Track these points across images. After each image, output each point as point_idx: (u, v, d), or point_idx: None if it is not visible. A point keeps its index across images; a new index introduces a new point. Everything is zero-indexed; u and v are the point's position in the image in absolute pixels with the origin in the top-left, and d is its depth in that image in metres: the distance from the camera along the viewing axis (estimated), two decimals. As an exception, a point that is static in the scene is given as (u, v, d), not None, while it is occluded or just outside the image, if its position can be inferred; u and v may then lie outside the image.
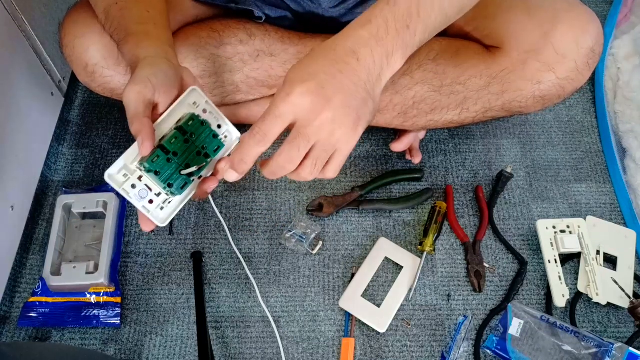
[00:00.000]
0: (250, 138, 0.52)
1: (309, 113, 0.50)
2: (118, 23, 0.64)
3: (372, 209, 0.92)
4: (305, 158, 0.52)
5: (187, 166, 0.57)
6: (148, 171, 0.55)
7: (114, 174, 0.56)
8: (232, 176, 0.55)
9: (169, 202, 0.59)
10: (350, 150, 0.53)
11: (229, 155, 0.61)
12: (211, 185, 0.60)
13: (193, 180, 0.59)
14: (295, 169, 0.53)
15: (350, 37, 0.52)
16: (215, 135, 0.59)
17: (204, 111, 0.60)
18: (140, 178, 0.57)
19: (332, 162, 0.54)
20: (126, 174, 0.56)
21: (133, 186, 0.56)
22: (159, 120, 0.56)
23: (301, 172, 0.53)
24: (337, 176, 0.95)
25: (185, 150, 0.57)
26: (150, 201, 0.58)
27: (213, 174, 0.61)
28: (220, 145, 0.60)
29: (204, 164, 0.58)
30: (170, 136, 0.56)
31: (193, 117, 0.58)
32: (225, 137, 0.61)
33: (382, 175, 0.95)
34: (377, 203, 0.92)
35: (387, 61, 0.53)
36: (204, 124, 0.58)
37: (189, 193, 0.59)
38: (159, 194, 0.58)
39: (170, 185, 0.57)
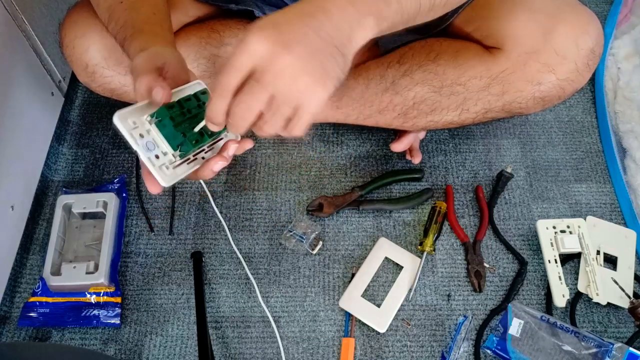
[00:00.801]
0: (212, 93, 0.50)
1: (266, 58, 0.46)
2: (124, 22, 0.63)
3: (372, 209, 0.92)
4: (267, 110, 0.49)
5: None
6: (160, 122, 0.53)
7: (125, 116, 0.52)
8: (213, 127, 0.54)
9: (174, 166, 0.55)
10: (317, 107, 0.49)
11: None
12: (218, 163, 0.57)
13: (201, 146, 0.57)
14: (256, 120, 0.50)
15: None
16: None
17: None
18: (148, 132, 0.54)
19: (296, 117, 0.50)
20: (135, 122, 0.53)
21: (141, 136, 0.53)
22: (173, 90, 0.56)
23: (262, 124, 0.50)
24: (337, 176, 0.95)
25: (197, 114, 0.56)
26: (157, 157, 0.54)
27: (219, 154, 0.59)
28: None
29: (211, 134, 0.57)
30: (185, 97, 0.55)
31: (205, 91, 0.58)
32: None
33: (382, 175, 0.95)
34: (377, 203, 0.92)
35: (358, 24, 0.50)
36: None
37: (191, 165, 0.57)
38: (165, 153, 0.54)
39: (182, 137, 0.54)
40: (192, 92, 0.58)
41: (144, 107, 0.54)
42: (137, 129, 0.52)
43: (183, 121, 0.55)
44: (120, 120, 0.51)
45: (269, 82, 0.47)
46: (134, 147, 0.52)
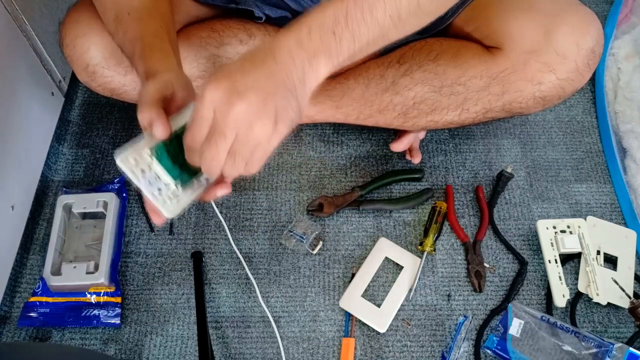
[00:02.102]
0: (185, 144, 0.54)
1: (222, 107, 0.49)
2: (132, 36, 0.63)
3: (372, 208, 0.92)
4: (229, 156, 0.52)
5: None
6: (159, 156, 0.54)
7: (126, 157, 0.54)
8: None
9: (177, 197, 0.57)
10: (272, 147, 0.52)
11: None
12: (223, 190, 0.59)
13: (201, 177, 0.58)
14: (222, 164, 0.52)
15: (274, 41, 0.52)
16: None
17: None
18: (149, 166, 0.55)
19: (252, 158, 0.52)
20: (137, 158, 0.55)
21: (142, 171, 0.55)
22: (172, 116, 0.57)
23: (225, 168, 0.53)
24: (337, 176, 0.95)
25: None
26: (159, 189, 0.56)
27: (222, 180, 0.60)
28: None
29: None
30: (182, 125, 0.56)
31: None
32: None
33: (382, 175, 0.95)
34: (377, 203, 0.92)
35: (310, 64, 0.52)
36: None
37: (197, 189, 0.58)
38: (167, 185, 0.56)
39: (181, 168, 0.56)
40: (187, 116, 0.58)
41: (144, 141, 0.55)
42: (138, 165, 0.54)
43: (181, 151, 0.56)
44: (122, 162, 0.53)
45: (227, 129, 0.50)
46: (137, 184, 0.54)
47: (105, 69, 0.79)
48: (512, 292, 0.84)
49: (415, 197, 0.92)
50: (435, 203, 0.91)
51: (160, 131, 0.54)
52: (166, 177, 0.56)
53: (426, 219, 0.91)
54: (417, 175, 0.95)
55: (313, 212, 0.91)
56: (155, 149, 0.55)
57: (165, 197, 0.56)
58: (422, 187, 0.94)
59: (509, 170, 0.94)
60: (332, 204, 0.91)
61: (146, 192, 0.55)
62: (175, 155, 0.56)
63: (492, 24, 0.76)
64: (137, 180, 0.54)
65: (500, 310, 0.83)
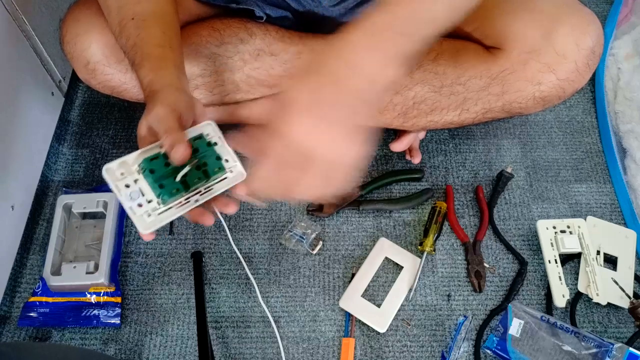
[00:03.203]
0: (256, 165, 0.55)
1: (297, 143, 0.51)
2: (134, 42, 0.63)
3: (373, 208, 0.92)
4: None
5: (184, 178, 0.58)
6: (147, 172, 0.56)
7: (112, 168, 0.56)
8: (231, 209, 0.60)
9: (158, 213, 0.58)
10: (351, 158, 0.52)
11: (226, 192, 0.61)
12: (207, 220, 0.60)
13: (186, 196, 0.58)
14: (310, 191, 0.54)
15: (339, 48, 0.52)
16: (219, 158, 0.60)
17: (215, 144, 0.61)
18: (136, 181, 0.57)
19: (335, 174, 0.53)
20: (124, 172, 0.56)
21: (127, 185, 0.56)
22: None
23: (307, 195, 0.54)
24: None
25: (186, 162, 0.57)
26: (140, 205, 0.57)
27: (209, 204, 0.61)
28: (221, 168, 0.60)
29: (201, 178, 0.59)
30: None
31: (201, 136, 0.59)
32: (231, 171, 0.61)
33: (382, 175, 0.95)
34: (378, 203, 0.92)
35: (379, 67, 0.52)
36: (210, 144, 0.60)
37: (180, 209, 0.58)
38: (150, 201, 0.57)
39: (161, 187, 0.57)
40: (188, 137, 0.59)
41: (134, 156, 0.57)
42: (124, 180, 0.56)
43: (167, 170, 0.57)
44: (107, 172, 0.56)
45: (317, 163, 0.52)
46: (117, 196, 0.56)
47: (106, 66, 0.79)
48: (512, 292, 0.84)
49: (415, 197, 0.92)
50: (435, 203, 0.91)
51: (184, 155, 0.55)
52: (150, 194, 0.57)
53: (426, 219, 0.91)
54: (417, 176, 0.95)
55: (313, 212, 0.91)
56: (144, 165, 0.56)
57: (144, 212, 0.57)
58: (422, 187, 0.94)
59: (509, 170, 0.94)
60: (332, 204, 0.91)
61: (125, 206, 0.56)
62: (162, 173, 0.57)
63: (492, 24, 0.76)
64: (118, 193, 0.56)
65: (500, 310, 0.83)
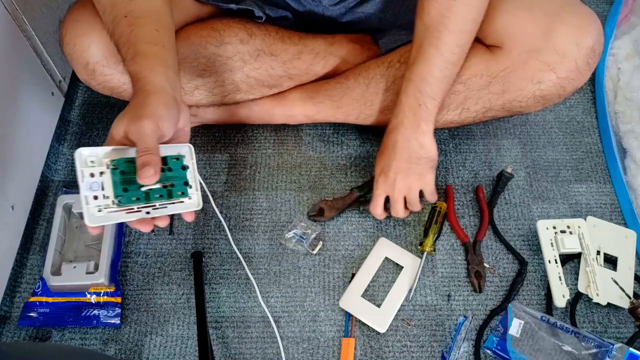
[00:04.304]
0: (372, 211, 0.86)
1: (388, 187, 0.83)
2: (126, 39, 0.63)
3: None
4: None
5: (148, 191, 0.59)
6: (116, 167, 0.56)
7: (84, 154, 0.56)
8: None
9: (110, 212, 0.58)
10: (427, 185, 0.82)
11: (175, 215, 0.64)
12: (145, 228, 0.60)
13: (142, 206, 0.59)
14: (406, 211, 0.85)
15: (395, 132, 0.80)
16: (186, 183, 0.62)
17: (187, 167, 0.62)
18: (101, 174, 0.57)
19: (425, 193, 0.84)
20: (94, 161, 0.57)
21: (91, 175, 0.57)
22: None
23: (410, 209, 0.86)
24: (337, 176, 0.96)
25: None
26: (95, 197, 0.57)
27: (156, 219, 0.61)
28: (184, 193, 0.61)
29: (163, 196, 0.60)
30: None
31: (179, 157, 0.61)
32: (190, 198, 0.63)
33: None
34: None
35: (417, 128, 0.77)
36: (184, 168, 0.61)
37: (130, 215, 0.59)
38: (106, 197, 0.57)
39: (125, 190, 0.57)
40: (166, 154, 0.60)
41: (109, 151, 0.57)
42: (92, 168, 0.56)
43: (132, 177, 0.57)
44: (78, 156, 0.56)
45: (399, 196, 0.83)
46: (79, 182, 0.56)
47: (105, 67, 0.79)
48: (512, 292, 0.84)
49: None
50: (436, 203, 0.91)
51: (152, 179, 0.55)
52: (110, 191, 0.57)
53: (426, 219, 0.91)
54: None
55: (315, 217, 0.91)
56: (117, 163, 0.57)
57: (96, 206, 0.57)
58: None
59: (509, 170, 0.94)
60: (333, 208, 0.91)
61: (81, 193, 0.56)
62: (131, 178, 0.57)
63: (493, 23, 0.76)
64: (80, 178, 0.56)
65: (500, 310, 0.83)
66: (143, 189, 0.58)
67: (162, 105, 0.57)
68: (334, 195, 0.93)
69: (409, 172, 0.80)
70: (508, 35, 0.76)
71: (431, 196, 0.84)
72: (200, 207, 0.63)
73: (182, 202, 0.62)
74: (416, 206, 0.84)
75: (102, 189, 0.57)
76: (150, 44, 0.62)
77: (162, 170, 0.58)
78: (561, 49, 0.73)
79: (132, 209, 0.59)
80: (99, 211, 0.57)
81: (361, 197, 0.93)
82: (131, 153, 0.58)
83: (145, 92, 0.58)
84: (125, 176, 0.57)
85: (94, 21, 0.75)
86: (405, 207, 0.84)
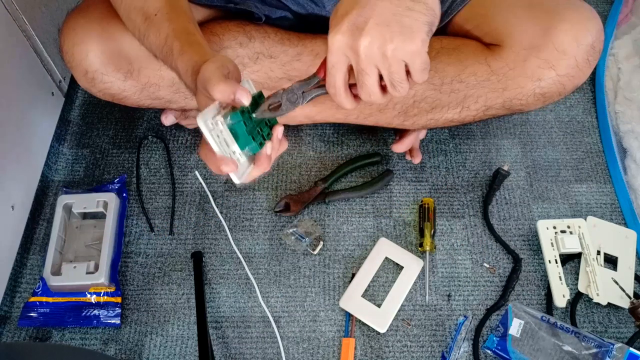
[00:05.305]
0: (331, 94, 0.58)
1: (352, 49, 0.52)
2: (166, 34, 0.63)
3: (339, 198, 0.92)
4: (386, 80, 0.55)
5: (261, 130, 0.59)
6: (232, 125, 0.56)
7: (208, 117, 0.55)
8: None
9: (239, 165, 0.59)
10: (417, 54, 0.52)
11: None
12: (268, 146, 0.59)
13: (262, 145, 0.60)
14: (384, 94, 0.56)
15: None
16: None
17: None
18: (221, 133, 0.56)
19: (411, 69, 0.54)
20: (212, 122, 0.56)
21: (218, 136, 0.56)
22: None
23: (392, 93, 0.55)
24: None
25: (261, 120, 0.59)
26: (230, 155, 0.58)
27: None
28: (276, 121, 0.62)
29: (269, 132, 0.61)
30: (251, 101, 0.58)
31: (261, 94, 0.61)
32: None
33: (342, 165, 0.95)
34: (343, 192, 0.92)
35: None
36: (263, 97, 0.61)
37: (250, 160, 0.60)
38: (233, 153, 0.57)
39: (254, 139, 0.57)
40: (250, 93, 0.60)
41: (213, 109, 0.56)
42: (214, 130, 0.56)
43: (251, 124, 0.58)
44: (204, 122, 0.54)
45: (366, 64, 0.53)
46: (214, 146, 0.55)
47: (105, 75, 0.78)
48: (507, 289, 0.84)
49: (379, 181, 0.93)
50: (422, 201, 0.91)
51: (245, 97, 0.54)
52: (233, 145, 0.57)
53: (417, 219, 0.91)
54: (375, 159, 0.96)
55: (280, 212, 0.91)
56: (229, 117, 0.56)
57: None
58: (383, 170, 0.95)
59: (505, 168, 0.93)
60: (299, 202, 0.91)
61: (225, 152, 0.56)
62: (247, 126, 0.57)
63: (492, 21, 0.76)
64: (215, 142, 0.55)
65: (496, 307, 0.83)
66: (257, 114, 0.58)
67: (219, 58, 0.58)
68: (299, 192, 0.93)
69: (392, 23, 0.51)
70: (507, 33, 0.76)
71: (421, 73, 0.54)
72: (282, 127, 0.62)
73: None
74: (401, 86, 0.55)
75: (227, 145, 0.56)
76: (189, 34, 0.63)
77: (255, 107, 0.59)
78: (561, 46, 0.73)
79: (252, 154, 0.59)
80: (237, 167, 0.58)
81: (326, 189, 0.93)
82: (226, 109, 0.57)
83: (196, 72, 0.58)
84: (247, 125, 0.57)
85: (91, 29, 0.75)
86: (382, 86, 0.56)
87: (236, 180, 0.58)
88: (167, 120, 0.98)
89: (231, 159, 0.57)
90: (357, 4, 0.52)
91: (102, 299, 0.83)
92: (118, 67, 0.78)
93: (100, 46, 0.76)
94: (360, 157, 0.96)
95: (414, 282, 0.85)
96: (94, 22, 0.75)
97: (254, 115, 0.58)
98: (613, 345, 0.75)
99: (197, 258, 0.87)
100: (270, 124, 0.61)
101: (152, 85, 0.81)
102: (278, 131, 0.61)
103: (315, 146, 0.99)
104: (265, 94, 0.91)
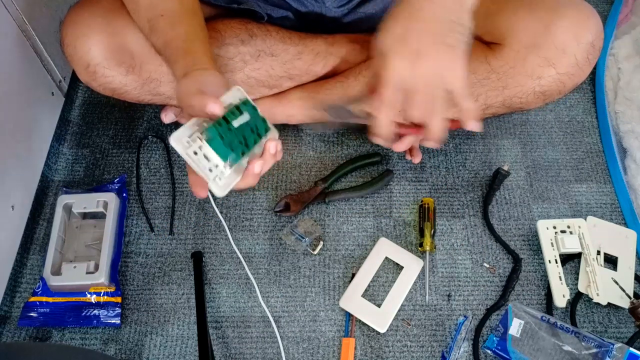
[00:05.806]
0: (380, 110, 0.62)
1: (409, 72, 0.58)
2: (168, 39, 0.65)
3: (339, 198, 0.92)
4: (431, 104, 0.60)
5: (244, 139, 0.60)
6: (209, 138, 0.56)
7: (180, 137, 0.56)
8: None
9: (225, 177, 0.59)
10: (459, 75, 0.59)
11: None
12: (257, 163, 0.61)
13: (247, 154, 0.61)
14: (435, 116, 0.60)
15: None
16: (264, 120, 0.63)
17: (255, 107, 0.63)
18: (199, 148, 0.57)
19: (453, 92, 0.59)
20: (189, 141, 0.57)
21: (195, 153, 0.57)
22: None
23: (432, 117, 0.61)
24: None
25: (240, 127, 0.60)
26: (210, 170, 0.58)
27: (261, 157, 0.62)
28: (267, 128, 0.63)
29: (256, 139, 0.62)
30: (230, 111, 0.59)
31: (246, 102, 0.61)
32: (270, 129, 0.64)
33: (342, 165, 0.95)
34: (343, 192, 0.92)
35: None
36: (255, 108, 0.62)
37: (239, 171, 0.61)
38: (216, 166, 0.58)
39: (232, 150, 0.58)
40: (233, 103, 0.61)
41: (192, 126, 0.58)
42: (190, 148, 0.57)
43: (230, 135, 0.58)
44: (177, 142, 0.56)
45: (422, 87, 0.59)
46: (192, 165, 0.57)
47: (106, 69, 0.78)
48: (507, 289, 0.84)
49: (378, 181, 0.93)
50: (422, 201, 0.91)
51: (217, 108, 0.56)
52: (215, 159, 0.57)
53: (417, 219, 0.91)
54: (375, 159, 0.96)
55: (280, 212, 0.91)
56: (205, 132, 0.57)
57: (215, 176, 0.58)
58: (383, 170, 0.95)
59: (505, 168, 0.93)
60: (299, 202, 0.91)
61: (202, 173, 0.57)
62: (225, 138, 0.58)
63: (492, 21, 0.76)
64: (192, 162, 0.57)
65: (496, 307, 0.83)
66: (236, 125, 0.59)
67: (199, 74, 0.61)
68: (299, 192, 0.93)
69: (440, 44, 0.57)
70: (507, 31, 0.76)
71: (463, 98, 0.59)
72: (277, 133, 0.64)
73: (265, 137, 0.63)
74: (438, 112, 0.60)
75: (208, 160, 0.57)
76: (188, 41, 0.65)
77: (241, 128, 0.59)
78: (561, 44, 0.73)
79: (241, 164, 0.60)
80: (219, 180, 0.59)
81: (326, 188, 0.93)
82: (207, 122, 0.58)
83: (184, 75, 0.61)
84: (224, 137, 0.57)
85: (94, 22, 0.75)
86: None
87: (217, 192, 0.59)
88: (167, 117, 0.98)
89: (202, 182, 0.58)
90: (407, 29, 0.59)
91: (102, 299, 0.83)
92: (120, 61, 0.78)
93: (103, 40, 0.76)
94: (360, 157, 0.96)
95: (414, 282, 0.85)
96: (98, 16, 0.75)
97: (233, 124, 0.58)
98: (613, 345, 0.75)
99: (197, 258, 0.87)
100: (258, 131, 0.62)
101: (154, 80, 0.81)
102: (270, 146, 0.61)
103: (315, 146, 0.99)
104: (266, 92, 0.92)
